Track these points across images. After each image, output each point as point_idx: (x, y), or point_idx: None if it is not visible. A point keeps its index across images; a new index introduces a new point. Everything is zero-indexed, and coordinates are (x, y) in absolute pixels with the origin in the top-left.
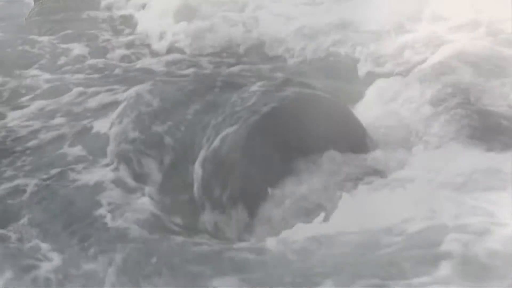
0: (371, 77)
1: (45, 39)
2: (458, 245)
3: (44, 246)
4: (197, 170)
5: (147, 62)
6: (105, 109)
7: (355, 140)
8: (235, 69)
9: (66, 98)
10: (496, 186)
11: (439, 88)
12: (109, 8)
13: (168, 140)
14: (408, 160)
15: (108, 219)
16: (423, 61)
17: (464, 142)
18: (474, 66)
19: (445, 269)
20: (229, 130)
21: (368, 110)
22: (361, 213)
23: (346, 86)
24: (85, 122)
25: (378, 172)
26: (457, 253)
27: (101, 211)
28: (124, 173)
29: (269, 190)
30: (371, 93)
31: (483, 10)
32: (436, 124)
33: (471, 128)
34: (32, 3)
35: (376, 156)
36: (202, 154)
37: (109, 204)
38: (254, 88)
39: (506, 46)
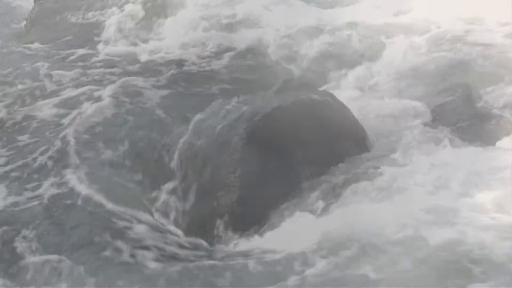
0: (370, 74)
1: (45, 39)
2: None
3: (50, 265)
4: (197, 175)
5: (145, 62)
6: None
7: (355, 141)
8: (234, 69)
9: (74, 97)
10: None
11: (438, 87)
12: (110, 7)
13: (165, 144)
14: (406, 160)
15: (118, 242)
16: (425, 60)
17: (459, 142)
18: (476, 66)
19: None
20: (230, 133)
21: (366, 108)
22: (360, 217)
23: (346, 82)
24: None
25: (376, 174)
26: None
27: (111, 233)
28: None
29: (269, 191)
30: (369, 90)
31: (484, 8)
32: (433, 123)
33: (469, 128)
34: (32, 3)
35: (375, 158)
36: (202, 158)
37: (119, 227)
38: (253, 89)
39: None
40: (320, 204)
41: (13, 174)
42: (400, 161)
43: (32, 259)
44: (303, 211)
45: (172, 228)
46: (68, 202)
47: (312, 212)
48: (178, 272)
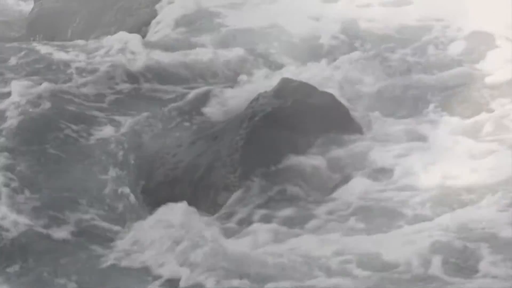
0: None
1: (45, 39)
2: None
3: None
4: (198, 171)
5: (143, 64)
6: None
7: (354, 142)
8: (234, 67)
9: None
10: None
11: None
12: (110, 7)
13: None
14: (403, 164)
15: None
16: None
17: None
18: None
19: None
20: (230, 133)
21: (365, 108)
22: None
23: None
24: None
25: (374, 177)
26: None
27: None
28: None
29: (268, 191)
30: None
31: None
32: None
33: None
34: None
35: (373, 159)
36: (203, 156)
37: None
38: (253, 88)
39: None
40: (318, 206)
41: None
42: (398, 164)
43: None
44: (300, 213)
45: None
46: None
47: (309, 215)
48: None
